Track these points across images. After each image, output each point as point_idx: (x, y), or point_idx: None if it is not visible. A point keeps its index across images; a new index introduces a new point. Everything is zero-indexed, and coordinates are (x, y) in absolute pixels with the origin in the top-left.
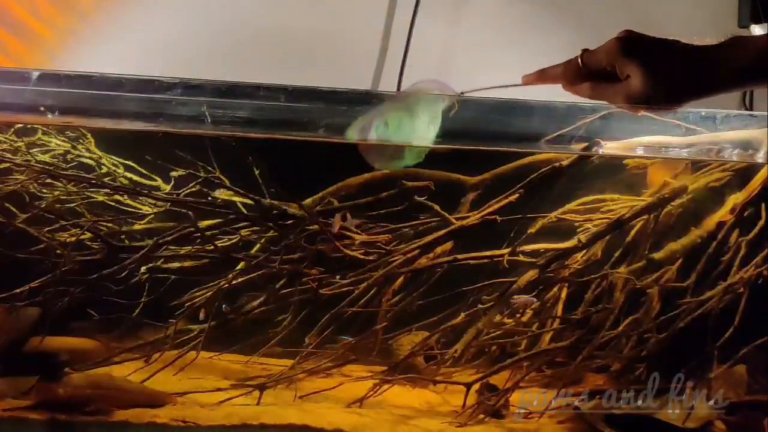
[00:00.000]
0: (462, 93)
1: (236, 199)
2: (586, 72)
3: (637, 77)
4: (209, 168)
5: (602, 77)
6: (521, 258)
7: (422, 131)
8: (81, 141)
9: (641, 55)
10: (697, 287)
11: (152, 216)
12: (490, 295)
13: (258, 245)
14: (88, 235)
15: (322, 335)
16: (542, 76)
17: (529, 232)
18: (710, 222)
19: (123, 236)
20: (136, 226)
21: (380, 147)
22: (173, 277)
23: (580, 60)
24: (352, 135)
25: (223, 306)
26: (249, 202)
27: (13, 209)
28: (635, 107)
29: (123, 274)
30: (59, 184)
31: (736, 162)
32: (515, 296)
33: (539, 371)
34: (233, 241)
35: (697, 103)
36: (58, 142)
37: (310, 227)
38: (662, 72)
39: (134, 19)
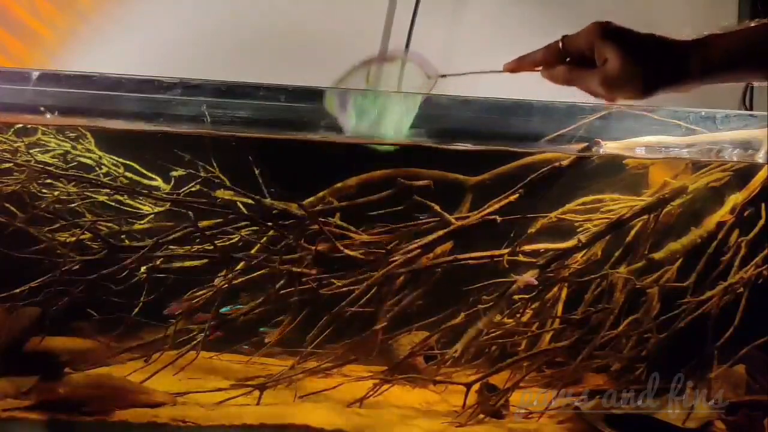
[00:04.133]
0: (443, 75)
1: (236, 199)
2: (565, 56)
3: (614, 60)
4: (209, 168)
5: (580, 64)
6: (521, 258)
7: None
8: (81, 141)
9: (620, 40)
10: (697, 287)
11: (152, 216)
12: (490, 295)
13: (258, 245)
14: (88, 235)
15: (322, 335)
16: (522, 62)
17: (529, 232)
18: (710, 222)
19: (123, 236)
20: (136, 226)
21: (358, 113)
22: (173, 277)
23: (561, 44)
24: (331, 99)
25: (229, 308)
26: (249, 201)
27: (13, 209)
28: (608, 95)
29: (123, 274)
30: (59, 184)
31: (736, 162)
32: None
33: (539, 371)
34: (233, 241)
35: (697, 103)
36: (58, 142)
37: (310, 227)
38: (639, 58)
39: (134, 19)
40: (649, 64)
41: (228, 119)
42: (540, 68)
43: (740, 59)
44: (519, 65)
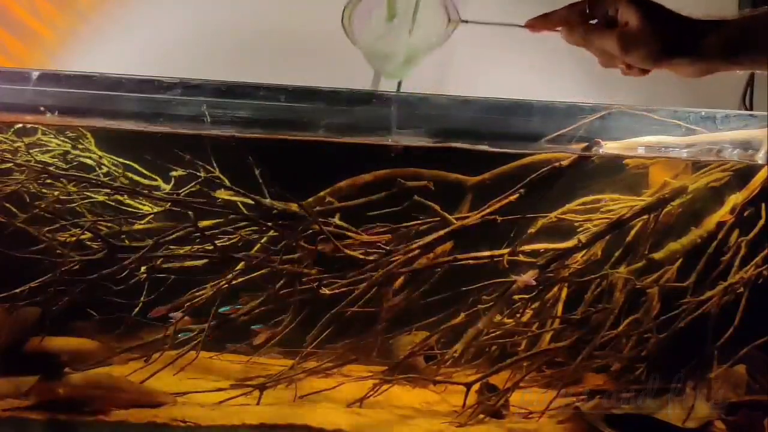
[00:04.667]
0: (465, 21)
1: (236, 199)
2: (589, 17)
3: (636, 21)
4: (209, 168)
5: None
6: (521, 258)
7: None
8: (81, 141)
9: (645, 5)
10: (697, 287)
11: (152, 216)
12: (490, 295)
13: (258, 245)
14: (88, 235)
15: (322, 335)
16: (545, 19)
17: (529, 232)
18: (710, 222)
19: (123, 236)
20: (137, 226)
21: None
22: (173, 277)
23: (587, 5)
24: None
25: (228, 308)
26: (249, 201)
27: (14, 209)
28: (622, 55)
29: (123, 274)
30: (59, 184)
31: (736, 162)
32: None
33: (539, 371)
34: (233, 241)
35: (698, 102)
36: (58, 142)
37: (310, 227)
38: (660, 23)
39: (134, 19)
40: (669, 29)
41: (228, 119)
42: (560, 29)
43: (756, 42)
44: (541, 22)
